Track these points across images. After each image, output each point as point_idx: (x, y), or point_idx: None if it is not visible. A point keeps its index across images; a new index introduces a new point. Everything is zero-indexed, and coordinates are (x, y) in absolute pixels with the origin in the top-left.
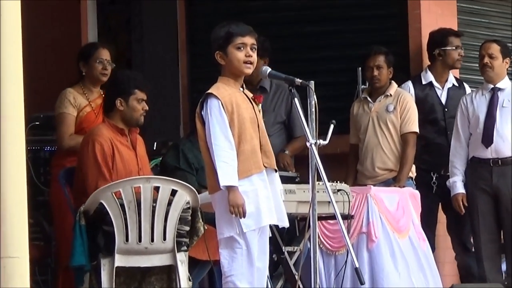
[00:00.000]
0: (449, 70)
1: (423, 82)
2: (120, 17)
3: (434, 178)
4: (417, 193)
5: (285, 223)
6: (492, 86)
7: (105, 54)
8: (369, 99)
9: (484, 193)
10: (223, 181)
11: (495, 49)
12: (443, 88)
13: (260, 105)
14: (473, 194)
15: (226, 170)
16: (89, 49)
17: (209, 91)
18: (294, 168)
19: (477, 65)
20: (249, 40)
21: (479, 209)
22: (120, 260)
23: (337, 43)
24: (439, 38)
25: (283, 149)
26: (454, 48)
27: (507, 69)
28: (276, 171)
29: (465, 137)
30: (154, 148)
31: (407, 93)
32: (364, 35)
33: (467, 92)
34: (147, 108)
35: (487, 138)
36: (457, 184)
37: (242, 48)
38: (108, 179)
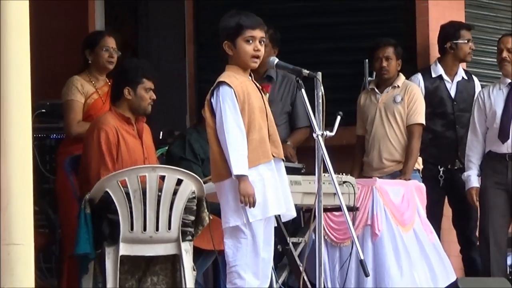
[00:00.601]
0: (459, 63)
1: (433, 75)
2: (127, 7)
3: (441, 172)
4: (422, 186)
5: (293, 213)
6: (509, 80)
7: (111, 42)
8: (376, 90)
9: (498, 187)
10: (236, 170)
11: None
12: (452, 81)
13: (268, 94)
14: (487, 187)
15: (238, 159)
16: (95, 37)
17: (220, 79)
18: (296, 159)
19: (484, 58)
20: (259, 33)
21: (490, 202)
22: (124, 249)
23: (344, 35)
24: (451, 31)
25: (285, 140)
26: (466, 41)
27: None
28: (283, 160)
29: (482, 132)
30: (160, 137)
31: (415, 85)
32: (371, 27)
33: (476, 85)
34: (154, 97)
35: (504, 134)
36: (472, 178)
37: (251, 42)
38: (110, 169)
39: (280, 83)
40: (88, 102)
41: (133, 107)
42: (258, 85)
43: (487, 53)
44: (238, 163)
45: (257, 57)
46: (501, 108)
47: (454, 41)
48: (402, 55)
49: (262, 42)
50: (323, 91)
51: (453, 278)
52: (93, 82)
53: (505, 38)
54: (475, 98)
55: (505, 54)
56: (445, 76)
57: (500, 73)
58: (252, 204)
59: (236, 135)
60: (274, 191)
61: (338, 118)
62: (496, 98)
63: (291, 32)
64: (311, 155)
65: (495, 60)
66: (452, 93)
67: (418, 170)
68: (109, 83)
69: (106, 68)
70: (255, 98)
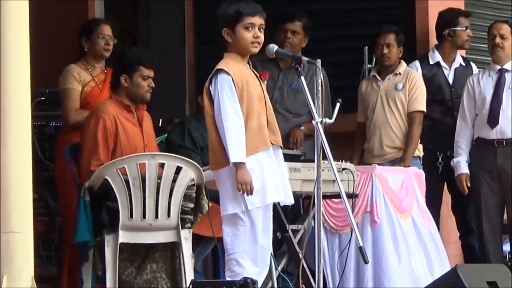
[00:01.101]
0: (457, 50)
1: (431, 62)
2: None
3: (440, 159)
4: (422, 173)
5: (291, 200)
6: (499, 67)
7: (107, 30)
8: (378, 77)
9: (488, 173)
10: (234, 158)
11: (506, 29)
12: (450, 68)
13: (293, 83)
14: (477, 174)
15: (236, 147)
16: (91, 25)
17: (219, 66)
18: (302, 145)
19: (483, 45)
20: (258, 20)
21: (482, 189)
22: (124, 236)
23: (344, 22)
24: (449, 18)
25: (299, 125)
26: (464, 28)
27: None
28: (281, 148)
29: (471, 118)
30: (160, 125)
31: (416, 72)
32: (370, 14)
33: (474, 72)
34: (153, 85)
35: (493, 119)
36: (461, 164)
37: (250, 29)
38: (102, 160)
39: (307, 73)
40: (86, 90)
41: (130, 94)
42: (256, 72)
43: (486, 39)
44: (236, 151)
45: (258, 42)
46: (491, 94)
47: (452, 28)
48: (403, 42)
49: (262, 29)
50: (322, 78)
51: (447, 267)
52: (90, 70)
53: (498, 24)
54: (465, 85)
55: (498, 40)
56: (442, 63)
57: None
58: (250, 192)
59: (234, 123)
60: (273, 179)
61: (338, 105)
62: (486, 85)
63: None
64: (310, 142)
65: None
66: (450, 80)
67: (419, 157)
68: (105, 71)
69: (102, 56)
70: (254, 85)
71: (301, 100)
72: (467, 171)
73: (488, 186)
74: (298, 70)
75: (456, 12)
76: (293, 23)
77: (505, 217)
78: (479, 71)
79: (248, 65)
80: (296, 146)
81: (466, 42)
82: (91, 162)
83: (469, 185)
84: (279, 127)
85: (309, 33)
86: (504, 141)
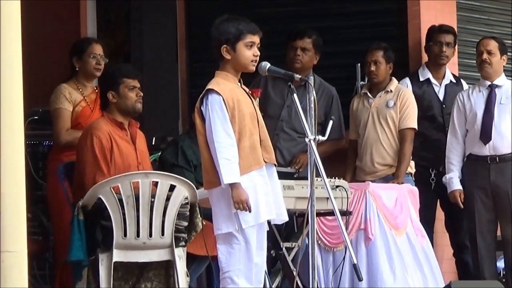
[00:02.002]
0: (441, 66)
1: (421, 79)
2: (120, 11)
3: (432, 175)
4: (415, 189)
5: (285, 217)
6: (489, 82)
7: (98, 49)
8: (369, 94)
9: (481, 190)
10: (227, 179)
11: (493, 45)
12: (440, 84)
13: (302, 102)
14: (470, 191)
15: (229, 167)
16: (82, 44)
17: (209, 86)
18: (303, 169)
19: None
20: (257, 39)
21: (476, 206)
22: (118, 255)
23: (336, 39)
24: (428, 33)
25: (306, 150)
26: (436, 43)
27: (503, 66)
28: (275, 165)
29: (462, 134)
30: (153, 143)
31: (408, 89)
32: (363, 30)
33: (464, 88)
34: (141, 94)
35: (485, 135)
36: (454, 181)
37: (250, 47)
38: (106, 174)
39: (317, 91)
40: (77, 110)
41: (121, 108)
42: (247, 90)
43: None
44: (229, 172)
45: (256, 61)
46: (482, 110)
47: (429, 43)
48: (393, 58)
49: (258, 49)
50: (315, 95)
51: (441, 284)
52: (81, 90)
53: (484, 40)
54: (455, 101)
55: (485, 56)
56: (433, 80)
57: None
58: (248, 210)
59: (226, 143)
60: (265, 197)
61: (331, 122)
62: (476, 100)
63: (282, 36)
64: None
65: None
66: (441, 96)
67: (411, 173)
68: (97, 91)
69: (93, 76)
70: (245, 104)
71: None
72: (460, 187)
73: (482, 203)
74: (290, 88)
75: (433, 27)
76: (303, 40)
77: (498, 233)
78: (469, 87)
79: (239, 84)
80: (297, 168)
81: (438, 57)
82: (95, 178)
83: (462, 201)
84: (284, 146)
85: (320, 49)
86: (497, 157)
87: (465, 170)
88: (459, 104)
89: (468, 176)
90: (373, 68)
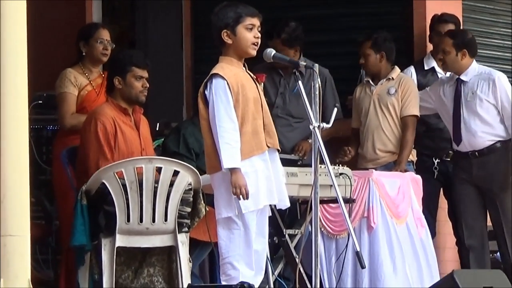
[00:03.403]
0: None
1: (425, 68)
2: None
3: (435, 164)
4: (419, 178)
5: (286, 203)
6: (457, 76)
7: (105, 34)
8: (371, 82)
9: (466, 183)
10: (227, 163)
11: (447, 43)
12: (446, 73)
13: (295, 87)
14: (456, 185)
15: (230, 152)
16: (89, 29)
17: (214, 71)
18: (306, 156)
19: (481, 51)
20: (257, 21)
21: (461, 200)
22: (121, 240)
23: (341, 27)
24: (430, 23)
25: (307, 137)
26: (437, 33)
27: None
28: (278, 151)
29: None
30: (157, 129)
31: (409, 77)
32: (368, 19)
33: None
34: (147, 85)
35: (456, 137)
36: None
37: (251, 29)
38: (109, 159)
39: (308, 77)
40: (82, 94)
41: (124, 96)
42: (252, 75)
43: (484, 45)
44: (229, 156)
45: (256, 44)
46: (452, 108)
47: (431, 33)
48: (385, 46)
49: (259, 31)
50: (319, 83)
51: (437, 277)
52: (87, 74)
53: (441, 38)
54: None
55: (440, 55)
56: (438, 69)
57: (495, 64)
58: (245, 196)
59: (228, 127)
60: (267, 182)
61: (335, 110)
62: (447, 95)
63: None
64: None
65: (492, 52)
66: None
67: (412, 162)
68: (103, 75)
69: (100, 61)
70: (250, 89)
71: (303, 104)
72: None
73: (467, 197)
74: (295, 75)
75: (435, 17)
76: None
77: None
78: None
79: (244, 68)
80: (301, 156)
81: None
82: (99, 163)
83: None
84: (285, 135)
85: (293, 44)
86: (476, 152)
87: (452, 163)
88: (439, 95)
89: (454, 170)
90: (362, 61)
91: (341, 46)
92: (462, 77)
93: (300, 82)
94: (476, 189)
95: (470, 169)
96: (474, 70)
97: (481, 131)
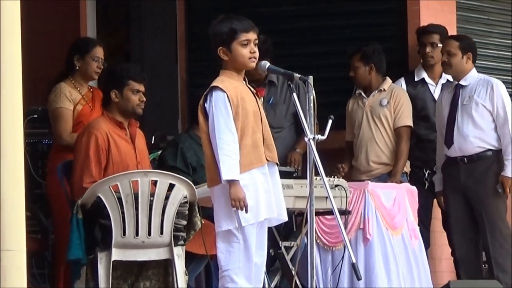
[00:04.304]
0: (434, 66)
1: (416, 79)
2: (119, 11)
3: (426, 175)
4: (414, 189)
5: (284, 217)
6: (456, 82)
7: (101, 53)
8: (363, 94)
9: (454, 192)
10: (225, 175)
11: (453, 45)
12: (436, 84)
13: (270, 98)
14: (445, 193)
15: (229, 164)
16: (86, 45)
17: (214, 84)
18: (300, 165)
19: (476, 62)
20: (253, 36)
21: (450, 209)
22: (117, 254)
23: (336, 38)
24: (417, 34)
25: (294, 148)
26: (422, 45)
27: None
28: (278, 164)
29: (443, 133)
30: (152, 142)
31: (401, 88)
32: (362, 30)
33: None
34: (144, 99)
35: (448, 138)
36: (437, 183)
37: (246, 45)
38: (94, 176)
39: (282, 85)
40: (77, 109)
41: (121, 109)
42: (252, 89)
43: (479, 55)
44: (228, 169)
45: (254, 57)
46: (448, 112)
47: (418, 44)
48: (374, 58)
49: (256, 44)
50: (314, 94)
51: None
52: (79, 89)
53: (446, 40)
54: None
55: (445, 57)
56: (428, 80)
57: (491, 74)
58: (244, 208)
59: (228, 140)
60: (266, 195)
61: (330, 121)
62: (445, 101)
63: (282, 36)
64: (303, 159)
65: (487, 63)
66: (436, 96)
67: (406, 173)
68: (91, 90)
69: (92, 78)
70: (249, 102)
71: (281, 113)
72: (440, 189)
73: (455, 205)
74: (290, 87)
75: (419, 29)
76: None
77: None
78: (442, 85)
79: (244, 82)
80: (296, 168)
81: (425, 59)
82: (83, 179)
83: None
84: None
85: (263, 57)
86: (465, 158)
87: (442, 172)
88: (438, 103)
89: (444, 178)
90: (351, 74)
91: (335, 57)
92: (462, 82)
93: (294, 94)
94: (465, 200)
95: (458, 175)
96: (473, 76)
97: (473, 135)
